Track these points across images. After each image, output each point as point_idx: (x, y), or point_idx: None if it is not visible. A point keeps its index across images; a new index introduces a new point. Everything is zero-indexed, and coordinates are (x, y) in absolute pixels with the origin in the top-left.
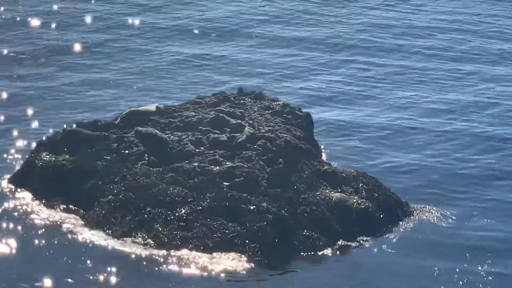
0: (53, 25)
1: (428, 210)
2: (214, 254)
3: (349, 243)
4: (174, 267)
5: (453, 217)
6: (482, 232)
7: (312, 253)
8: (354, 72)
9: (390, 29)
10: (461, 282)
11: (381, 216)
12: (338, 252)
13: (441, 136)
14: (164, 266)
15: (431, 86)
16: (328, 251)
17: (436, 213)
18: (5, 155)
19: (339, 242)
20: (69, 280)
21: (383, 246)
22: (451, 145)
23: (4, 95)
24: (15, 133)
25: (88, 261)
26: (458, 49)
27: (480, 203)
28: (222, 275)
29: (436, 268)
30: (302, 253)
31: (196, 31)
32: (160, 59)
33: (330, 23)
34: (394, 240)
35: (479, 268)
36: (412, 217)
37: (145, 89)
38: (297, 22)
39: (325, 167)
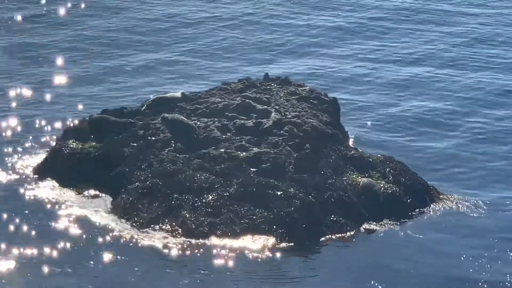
0: (79, 12)
1: (457, 198)
2: (242, 240)
3: (376, 228)
4: (201, 254)
5: (484, 207)
6: None
7: (339, 238)
8: (382, 56)
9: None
10: (489, 272)
11: (408, 201)
12: (365, 237)
13: (476, 124)
14: (192, 253)
15: (467, 72)
16: (355, 236)
17: (466, 201)
18: (32, 143)
19: (366, 227)
20: (97, 267)
21: (409, 232)
22: (486, 135)
23: (32, 81)
24: (42, 120)
25: (116, 249)
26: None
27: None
28: (250, 261)
29: (464, 256)
30: (329, 238)
31: (224, 18)
32: (186, 46)
33: (355, 7)
34: (422, 225)
35: (509, 258)
36: (440, 203)
37: (171, 75)
38: (323, 6)
39: (352, 152)
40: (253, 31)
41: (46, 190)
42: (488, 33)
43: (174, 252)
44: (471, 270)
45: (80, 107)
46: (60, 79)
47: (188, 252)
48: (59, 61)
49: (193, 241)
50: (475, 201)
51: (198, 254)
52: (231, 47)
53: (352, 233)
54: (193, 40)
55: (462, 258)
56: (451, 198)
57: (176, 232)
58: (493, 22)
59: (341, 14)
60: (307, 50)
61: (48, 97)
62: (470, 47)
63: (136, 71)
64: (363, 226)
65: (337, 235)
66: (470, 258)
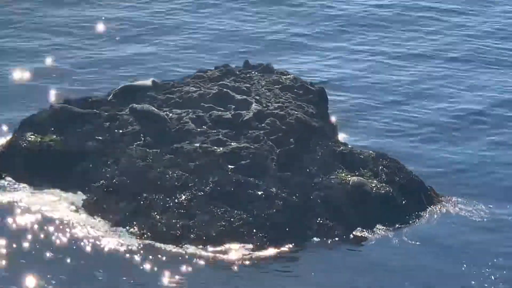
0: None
1: (458, 200)
2: (218, 245)
3: (367, 232)
4: (173, 260)
5: (487, 211)
6: None
7: (326, 243)
8: (375, 48)
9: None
10: (492, 284)
11: (403, 202)
12: (354, 243)
13: (477, 121)
14: (163, 259)
15: (465, 70)
16: (343, 242)
17: (467, 204)
18: None
19: (356, 231)
20: (57, 273)
21: (404, 237)
22: (489, 134)
23: None
24: None
25: (78, 253)
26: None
27: None
28: (226, 268)
29: (464, 265)
30: (315, 244)
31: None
32: (163, 38)
33: None
34: (417, 230)
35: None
36: (438, 205)
37: (141, 62)
38: None
39: (341, 147)
40: (238, 21)
41: (1, 187)
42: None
43: (143, 258)
44: (473, 282)
45: (40, 96)
46: (21, 71)
47: (158, 258)
48: (21, 52)
49: (164, 245)
50: (477, 205)
51: (169, 261)
52: (215, 39)
53: (340, 238)
54: (173, 31)
55: (461, 269)
56: (450, 200)
57: (145, 236)
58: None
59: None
60: (304, 43)
61: (5, 87)
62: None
63: (101, 59)
64: (353, 230)
65: (324, 241)
66: (469, 268)
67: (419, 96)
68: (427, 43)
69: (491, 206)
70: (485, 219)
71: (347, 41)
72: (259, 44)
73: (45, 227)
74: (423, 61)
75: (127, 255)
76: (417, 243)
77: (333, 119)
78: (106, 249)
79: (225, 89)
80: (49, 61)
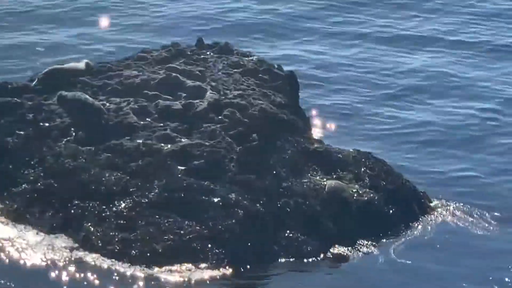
0: None
1: (456, 207)
2: (165, 262)
3: (346, 249)
4: (109, 280)
5: (490, 221)
6: None
7: (297, 262)
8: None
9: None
10: None
11: (391, 211)
12: (331, 261)
13: (475, 116)
14: (96, 279)
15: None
16: (318, 260)
17: (464, 213)
18: None
19: (333, 247)
20: None
21: (391, 254)
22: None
23: None
24: None
25: None
26: None
27: None
28: None
29: (460, 285)
30: (283, 262)
31: None
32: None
33: None
34: (407, 245)
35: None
36: (433, 214)
37: (70, 40)
38: None
39: (315, 145)
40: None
41: None
42: None
43: (72, 278)
44: None
45: None
46: None
47: (91, 279)
48: None
49: (100, 263)
50: (479, 213)
51: (105, 281)
52: (166, 17)
53: (314, 255)
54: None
55: None
56: (447, 208)
57: (77, 250)
58: None
59: None
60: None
61: None
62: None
63: (23, 38)
64: (330, 246)
65: (294, 258)
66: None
67: (415, 89)
68: (427, 24)
69: (493, 214)
70: (486, 230)
71: (328, 22)
72: (221, 24)
73: None
74: (421, 45)
75: (53, 274)
76: (407, 261)
77: (306, 110)
78: (28, 266)
79: (174, 74)
80: None
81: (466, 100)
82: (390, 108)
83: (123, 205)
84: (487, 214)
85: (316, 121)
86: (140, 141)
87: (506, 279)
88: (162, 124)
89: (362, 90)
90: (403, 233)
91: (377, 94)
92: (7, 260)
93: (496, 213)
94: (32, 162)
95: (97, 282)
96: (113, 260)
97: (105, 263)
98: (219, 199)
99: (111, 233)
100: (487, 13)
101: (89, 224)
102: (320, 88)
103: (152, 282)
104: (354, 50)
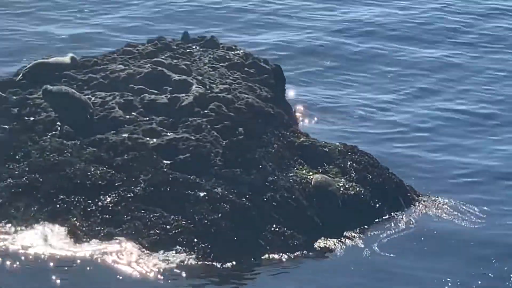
0: None
1: (442, 201)
2: (150, 256)
3: (332, 242)
4: (95, 275)
5: (475, 214)
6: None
7: (283, 256)
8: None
9: None
10: None
11: (377, 205)
12: (317, 255)
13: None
14: (82, 273)
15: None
16: (304, 254)
17: (449, 206)
18: None
19: (320, 241)
20: None
21: (377, 248)
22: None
23: None
24: None
25: None
26: None
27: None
28: (161, 286)
29: (444, 278)
30: (269, 257)
31: None
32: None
33: None
34: (392, 238)
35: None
36: (418, 208)
37: (56, 35)
38: None
39: (302, 138)
40: None
41: None
42: None
43: (57, 272)
44: None
45: None
46: None
47: (76, 272)
48: None
49: (84, 256)
50: (465, 207)
51: (90, 275)
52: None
53: (300, 249)
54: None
55: (443, 280)
56: (433, 201)
57: (62, 244)
58: None
59: None
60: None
61: None
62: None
63: (5, 31)
64: (316, 239)
65: (281, 252)
66: (450, 281)
67: (404, 82)
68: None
69: (481, 208)
70: (473, 223)
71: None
72: (206, 15)
73: None
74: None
75: (38, 267)
76: (391, 254)
77: (292, 104)
78: (13, 262)
79: (159, 67)
80: None
81: (456, 94)
82: (378, 103)
83: (108, 199)
84: (475, 208)
85: (302, 114)
86: (126, 135)
87: (490, 274)
88: (147, 118)
89: (350, 83)
90: (388, 226)
91: (365, 87)
92: None
93: (484, 207)
94: (17, 157)
95: (83, 273)
96: (98, 253)
97: (90, 256)
98: (205, 193)
99: (96, 228)
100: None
101: (75, 218)
102: (306, 80)
103: (137, 275)
104: (339, 40)
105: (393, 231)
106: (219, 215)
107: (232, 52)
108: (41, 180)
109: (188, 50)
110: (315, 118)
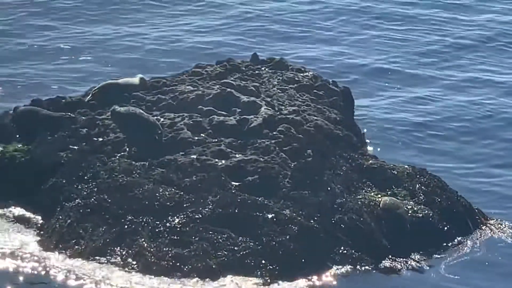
0: None
1: (509, 226)
2: (218, 278)
3: (399, 264)
4: None
5: None
6: None
7: (351, 277)
8: (408, 45)
9: None
10: None
11: (445, 228)
12: (385, 278)
13: None
14: None
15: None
16: (371, 275)
17: None
18: None
19: (387, 263)
20: None
21: (443, 271)
22: None
23: None
24: None
25: (46, 287)
26: None
27: None
28: None
29: None
30: (337, 277)
31: None
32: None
33: None
34: (459, 261)
35: None
36: (486, 231)
37: (127, 57)
38: None
39: (370, 161)
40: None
41: None
42: None
43: None
44: None
45: (3, 98)
46: None
47: None
48: None
49: (152, 279)
50: None
51: None
52: (210, 29)
53: (368, 271)
54: (166, 18)
55: None
56: (502, 226)
57: (130, 267)
58: None
59: None
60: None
61: None
62: None
63: (76, 52)
64: (383, 261)
65: (348, 273)
66: None
67: (478, 104)
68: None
69: None
70: None
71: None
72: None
73: (7, 258)
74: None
75: None
76: (456, 276)
77: (360, 126)
78: (81, 282)
79: (228, 89)
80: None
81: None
82: (447, 123)
83: (176, 220)
84: None
85: (371, 136)
86: (194, 156)
87: None
88: (216, 140)
89: (417, 104)
90: (456, 249)
91: (433, 108)
92: (60, 275)
93: None
94: (85, 177)
95: None
96: (166, 275)
97: (158, 279)
98: (273, 215)
99: (164, 249)
100: None
101: (143, 239)
102: (373, 98)
103: None
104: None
105: (460, 254)
106: (287, 237)
107: (301, 74)
108: (109, 200)
109: (257, 72)
110: (384, 140)
